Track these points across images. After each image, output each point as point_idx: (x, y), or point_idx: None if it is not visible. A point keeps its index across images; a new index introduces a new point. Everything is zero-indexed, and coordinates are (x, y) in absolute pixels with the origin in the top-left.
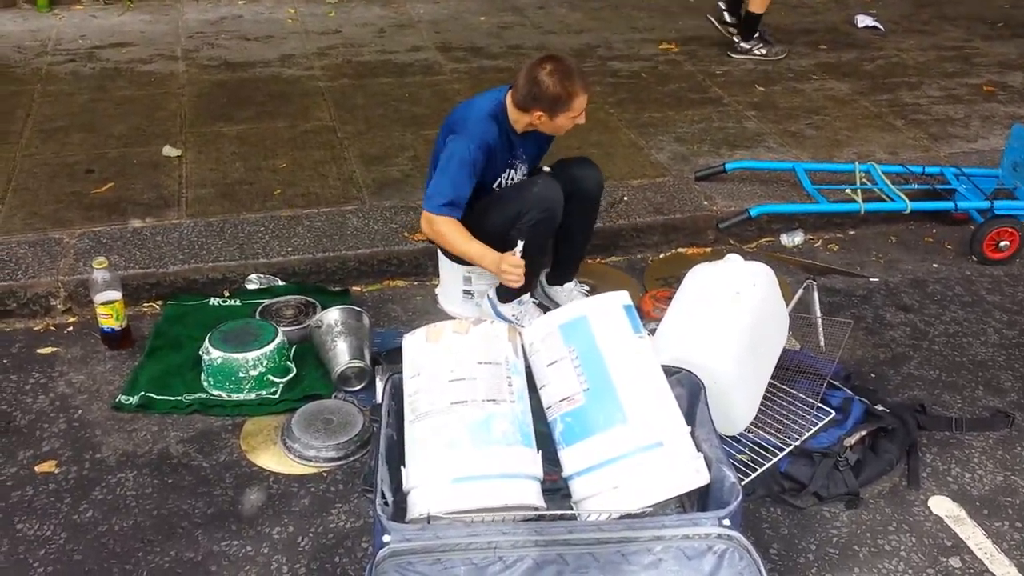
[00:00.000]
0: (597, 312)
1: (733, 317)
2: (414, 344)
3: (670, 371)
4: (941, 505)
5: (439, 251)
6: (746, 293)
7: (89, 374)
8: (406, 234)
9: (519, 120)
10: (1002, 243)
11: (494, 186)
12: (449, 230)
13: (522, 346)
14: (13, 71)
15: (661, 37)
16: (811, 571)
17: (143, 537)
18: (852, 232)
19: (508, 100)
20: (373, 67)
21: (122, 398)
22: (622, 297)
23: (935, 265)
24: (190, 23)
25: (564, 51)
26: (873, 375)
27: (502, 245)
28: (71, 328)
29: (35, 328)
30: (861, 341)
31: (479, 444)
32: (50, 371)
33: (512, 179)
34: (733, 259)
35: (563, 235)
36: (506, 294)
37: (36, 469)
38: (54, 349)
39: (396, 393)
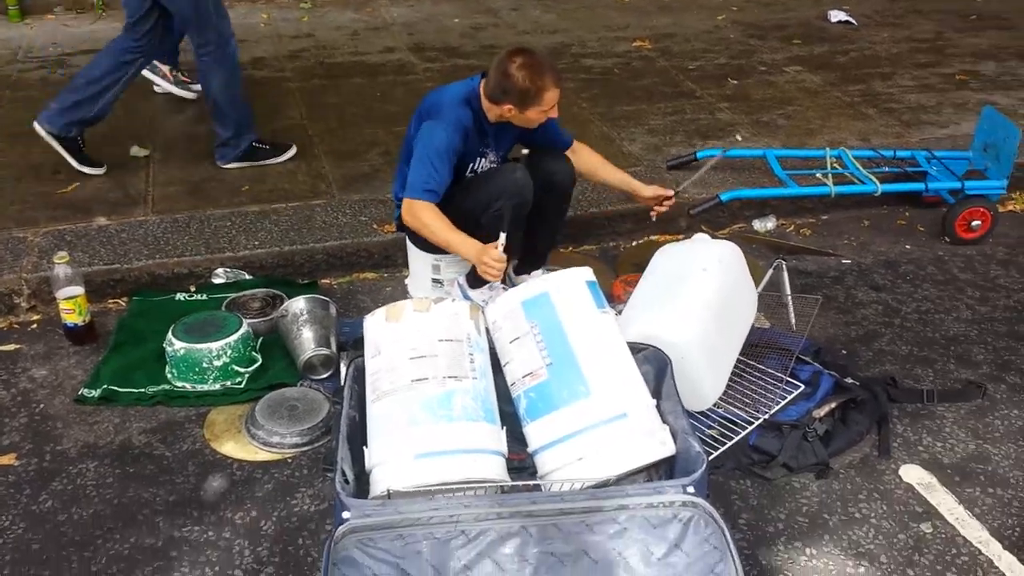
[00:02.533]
0: (559, 287)
1: (698, 292)
2: (375, 324)
3: (637, 348)
4: (911, 473)
5: (407, 240)
6: (712, 269)
7: (52, 369)
8: (375, 226)
9: (491, 110)
10: (974, 223)
11: (466, 173)
12: (431, 218)
13: (485, 325)
14: None
15: (635, 35)
16: (780, 540)
17: (102, 525)
18: (825, 217)
19: (481, 90)
20: (346, 68)
21: (84, 391)
22: (584, 273)
23: (907, 246)
24: None
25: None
26: (844, 351)
27: (473, 231)
28: (35, 325)
29: None
30: (832, 320)
31: (440, 420)
32: (12, 367)
33: (483, 167)
34: (700, 238)
35: (534, 226)
36: (476, 280)
37: None
38: (17, 346)
39: (359, 375)
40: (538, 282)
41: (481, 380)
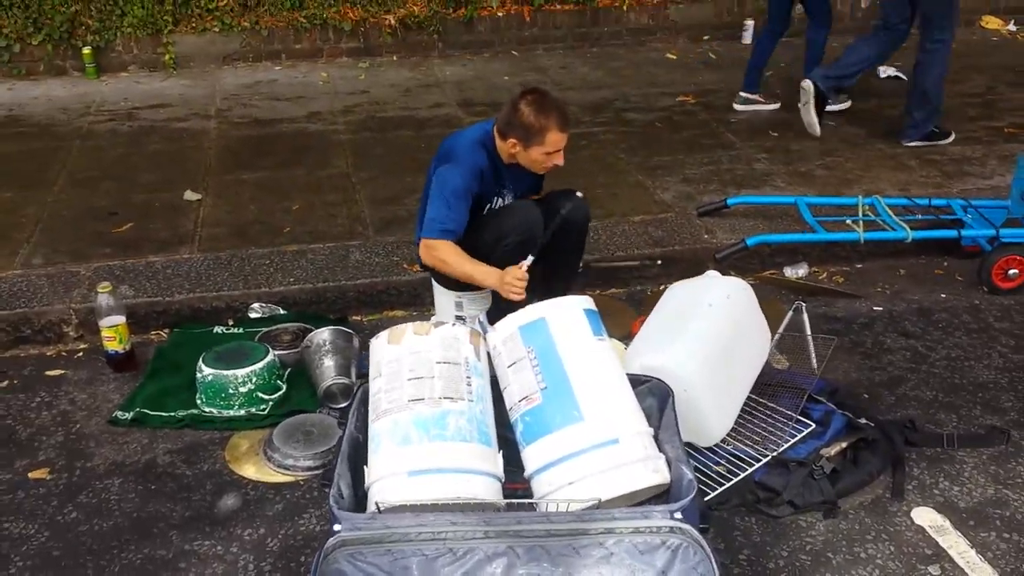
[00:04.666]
0: (556, 313)
1: (703, 325)
2: (378, 347)
3: (640, 380)
4: (924, 515)
5: (432, 279)
6: (719, 305)
7: (92, 394)
8: (405, 266)
9: (503, 149)
10: (1011, 271)
11: (483, 213)
12: (449, 254)
13: (487, 351)
14: (56, 129)
15: (679, 90)
16: None
17: (120, 536)
18: (859, 265)
19: (494, 129)
20: (395, 122)
21: (118, 413)
22: (583, 300)
23: (943, 295)
24: (227, 86)
25: (581, 105)
26: (867, 395)
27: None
28: (81, 353)
29: (47, 353)
30: (858, 364)
31: (433, 439)
32: (56, 391)
33: (499, 206)
34: (711, 275)
35: (550, 267)
36: (497, 317)
37: (29, 475)
38: (62, 371)
39: (366, 398)
40: (536, 308)
41: (477, 403)
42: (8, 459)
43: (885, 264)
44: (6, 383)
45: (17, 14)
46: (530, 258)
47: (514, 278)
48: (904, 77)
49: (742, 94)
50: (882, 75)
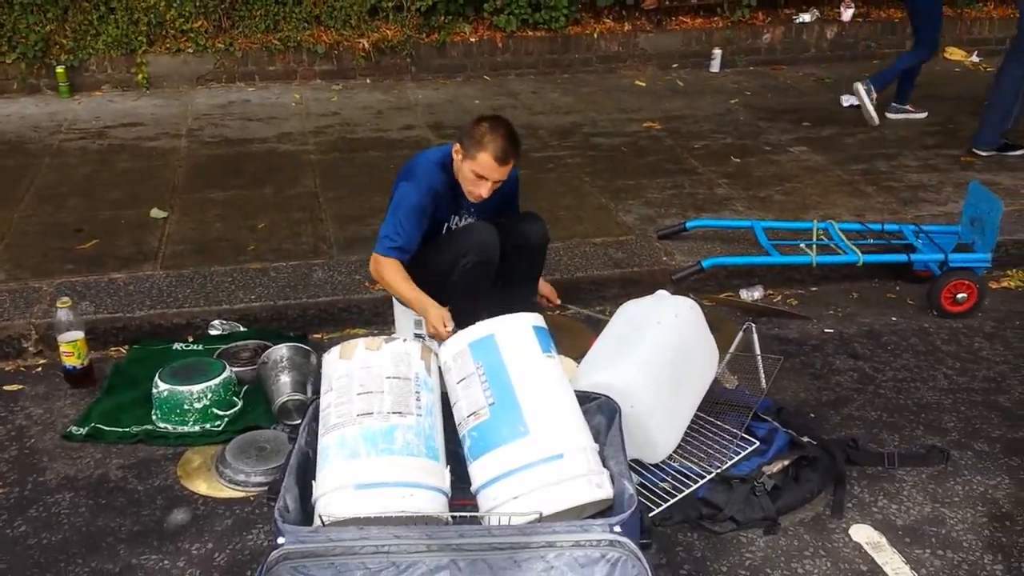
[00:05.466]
0: (505, 330)
1: (650, 344)
2: (329, 361)
3: (590, 397)
4: (861, 532)
5: (393, 297)
6: (667, 323)
7: (48, 409)
8: (367, 284)
9: (458, 164)
10: (959, 295)
11: (442, 232)
12: (392, 275)
13: (438, 366)
14: (26, 147)
15: (647, 116)
16: None
17: (68, 550)
18: (814, 289)
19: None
20: (365, 143)
21: (73, 428)
22: (532, 318)
23: (893, 318)
24: (199, 106)
25: (550, 129)
26: (813, 415)
27: (440, 287)
28: (39, 369)
29: (6, 368)
30: (806, 384)
31: (381, 452)
32: (12, 405)
33: (457, 227)
34: (661, 295)
35: (508, 286)
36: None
37: None
38: (20, 386)
39: (317, 413)
40: (485, 324)
41: (426, 418)
42: None
43: (838, 287)
44: None
45: None
46: (462, 332)
47: (442, 324)
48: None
49: (894, 104)
50: (845, 104)
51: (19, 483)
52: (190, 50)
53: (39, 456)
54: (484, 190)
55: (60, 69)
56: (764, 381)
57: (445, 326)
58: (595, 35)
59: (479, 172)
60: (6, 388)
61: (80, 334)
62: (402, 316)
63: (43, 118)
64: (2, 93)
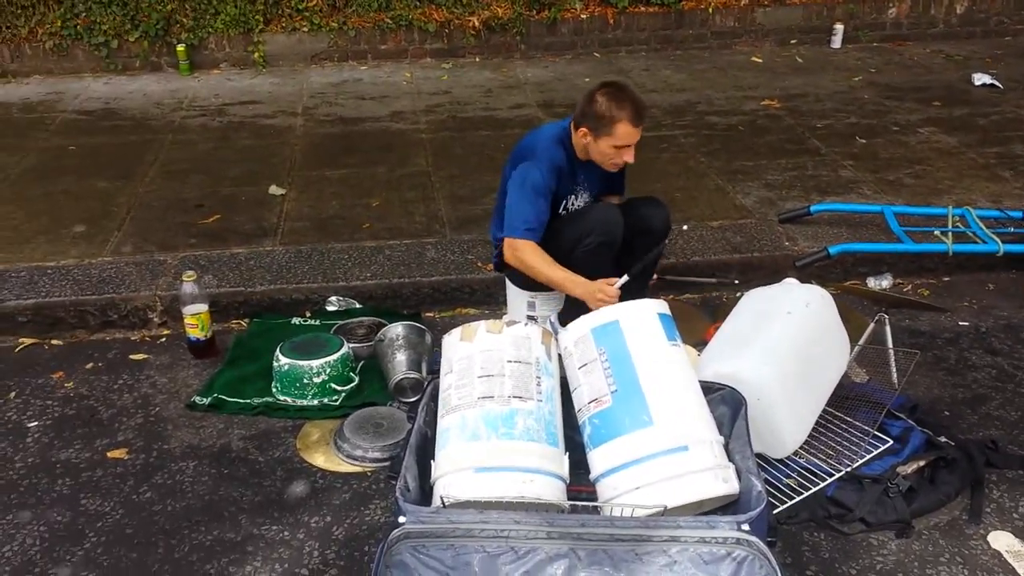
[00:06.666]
0: (630, 316)
1: (779, 334)
2: (450, 343)
3: (713, 387)
4: (1001, 540)
5: (506, 278)
6: (797, 313)
7: (172, 378)
8: (479, 264)
9: (577, 143)
10: None
11: (560, 211)
12: (533, 257)
13: (558, 352)
14: (150, 123)
15: (765, 95)
16: None
17: (191, 517)
18: (947, 279)
19: (571, 125)
20: (475, 122)
21: (196, 398)
22: (657, 305)
23: None
24: (314, 85)
25: (663, 108)
26: (948, 413)
27: (565, 267)
28: (164, 339)
29: (132, 338)
30: (940, 380)
31: (501, 437)
32: (138, 374)
33: (575, 205)
34: (789, 283)
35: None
36: (569, 318)
37: (108, 455)
38: (145, 356)
39: (435, 393)
40: (610, 310)
41: (546, 403)
42: (89, 439)
43: (974, 278)
44: (91, 365)
45: (116, 12)
46: (625, 277)
47: (605, 294)
48: (1000, 85)
49: None
50: (977, 83)
51: (145, 450)
52: (305, 29)
53: (164, 424)
54: (628, 156)
55: (180, 47)
56: (896, 376)
57: (607, 291)
58: (710, 10)
59: (620, 144)
60: (132, 357)
61: (204, 307)
62: (515, 297)
63: (165, 95)
64: (125, 70)
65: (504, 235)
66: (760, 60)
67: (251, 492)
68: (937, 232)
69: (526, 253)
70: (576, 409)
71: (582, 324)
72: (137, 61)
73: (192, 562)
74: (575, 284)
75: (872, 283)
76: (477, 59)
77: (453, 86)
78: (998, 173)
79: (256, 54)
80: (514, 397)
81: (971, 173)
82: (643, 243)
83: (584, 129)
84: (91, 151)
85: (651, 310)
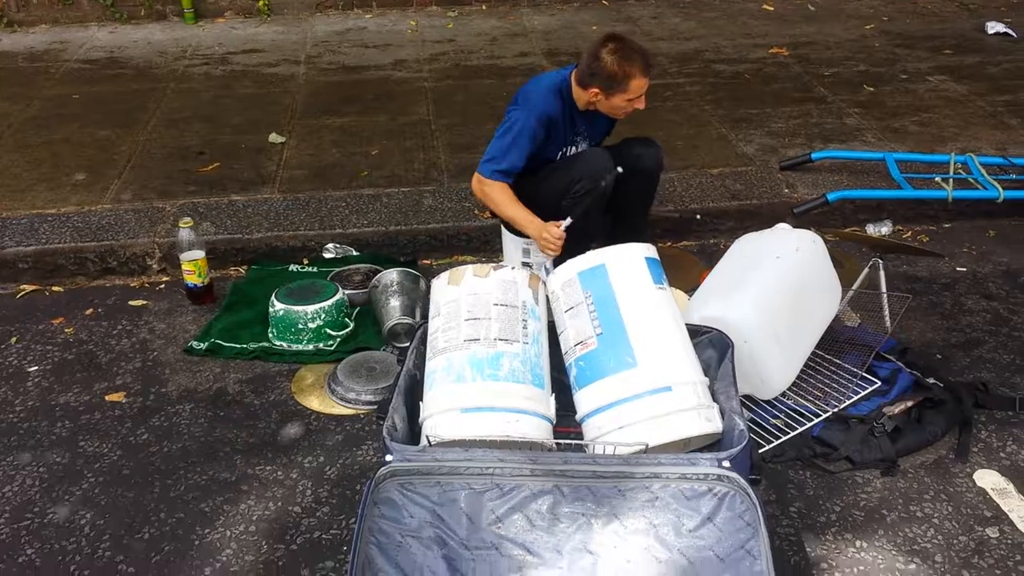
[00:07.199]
0: (616, 260)
1: (768, 277)
2: (438, 287)
3: (701, 330)
4: (987, 478)
5: (501, 224)
6: (786, 257)
7: (170, 324)
8: (476, 212)
9: (580, 97)
10: None
11: (556, 159)
12: (496, 193)
13: (546, 295)
14: (153, 71)
15: (773, 42)
16: (830, 530)
17: (187, 458)
18: (947, 225)
19: (572, 77)
20: (479, 70)
21: (193, 343)
22: (644, 248)
23: None
24: (318, 33)
25: (670, 56)
26: (940, 356)
27: (555, 214)
28: (162, 286)
29: (131, 284)
30: (934, 324)
31: (487, 378)
32: (137, 320)
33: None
34: (781, 227)
35: (620, 213)
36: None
37: (106, 398)
38: (144, 302)
39: (424, 337)
40: (597, 253)
41: (532, 346)
42: (88, 382)
43: (974, 224)
44: (91, 311)
45: None
46: (568, 219)
47: (550, 235)
48: (1014, 34)
49: None
50: (990, 31)
51: (142, 394)
52: None
53: (161, 369)
54: (640, 104)
55: None
56: (889, 320)
57: (555, 236)
58: None
59: (633, 96)
60: (131, 303)
61: (201, 253)
62: (510, 244)
63: (169, 44)
64: (131, 19)
65: (477, 170)
66: (771, 8)
67: (246, 434)
68: (938, 179)
69: (490, 188)
70: (563, 352)
71: (569, 268)
72: (142, 10)
73: (187, 501)
74: (529, 223)
75: (871, 230)
76: (483, 7)
77: (458, 34)
78: (1005, 121)
79: (261, 2)
80: (500, 340)
81: (978, 121)
82: (636, 183)
83: (595, 89)
84: (94, 100)
85: (638, 254)
